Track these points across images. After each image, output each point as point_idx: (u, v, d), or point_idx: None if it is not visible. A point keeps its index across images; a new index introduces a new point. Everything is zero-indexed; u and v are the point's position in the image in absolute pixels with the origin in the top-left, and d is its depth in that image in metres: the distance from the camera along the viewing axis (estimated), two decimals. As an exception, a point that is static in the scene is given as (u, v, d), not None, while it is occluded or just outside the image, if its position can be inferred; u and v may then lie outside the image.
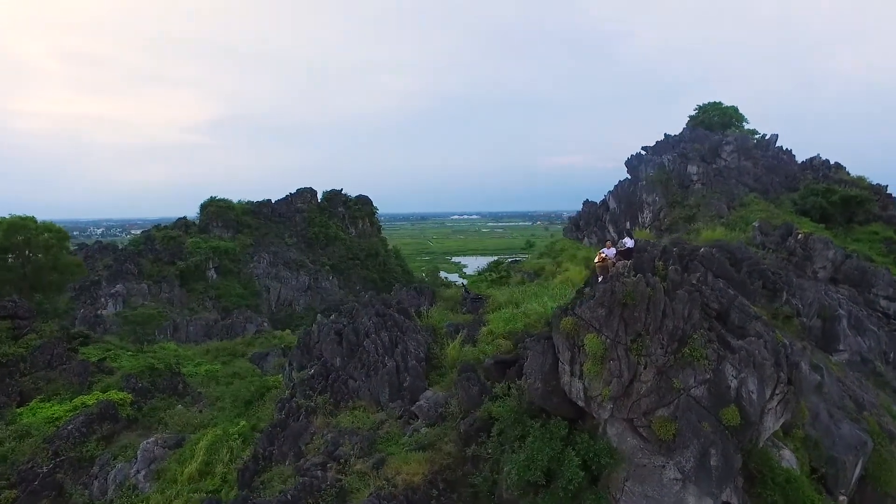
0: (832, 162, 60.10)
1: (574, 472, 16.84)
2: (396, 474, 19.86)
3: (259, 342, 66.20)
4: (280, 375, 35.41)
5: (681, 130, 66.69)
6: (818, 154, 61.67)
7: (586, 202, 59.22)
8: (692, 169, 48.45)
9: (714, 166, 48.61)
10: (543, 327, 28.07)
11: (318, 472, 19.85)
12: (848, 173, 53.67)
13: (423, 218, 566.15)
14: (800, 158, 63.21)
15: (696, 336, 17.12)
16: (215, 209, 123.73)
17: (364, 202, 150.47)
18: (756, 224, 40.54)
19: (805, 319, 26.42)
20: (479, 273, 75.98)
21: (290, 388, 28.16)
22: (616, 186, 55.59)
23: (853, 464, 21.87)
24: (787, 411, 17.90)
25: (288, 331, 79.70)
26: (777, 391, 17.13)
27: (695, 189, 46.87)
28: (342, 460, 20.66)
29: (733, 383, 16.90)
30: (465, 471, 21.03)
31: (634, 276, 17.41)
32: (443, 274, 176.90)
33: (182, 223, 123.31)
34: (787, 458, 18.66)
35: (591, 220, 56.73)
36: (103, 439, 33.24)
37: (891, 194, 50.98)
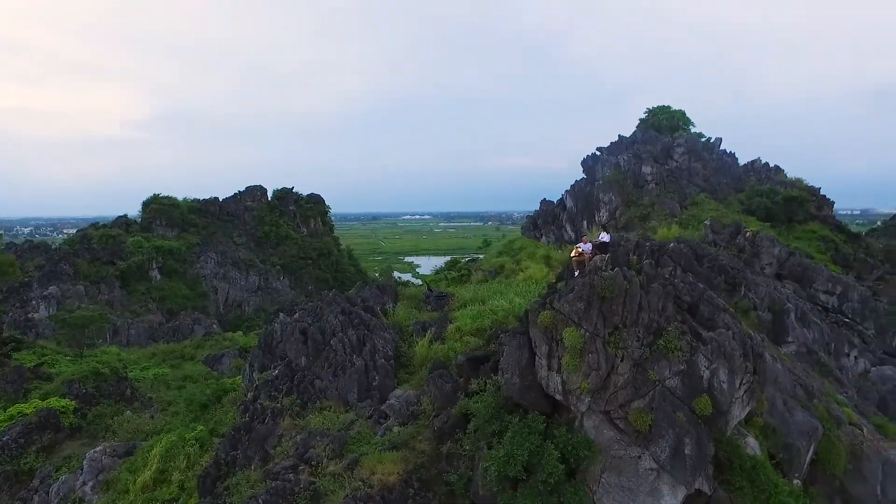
0: (772, 165, 63.40)
1: (553, 465, 16.89)
2: (371, 475, 19.40)
3: (209, 344, 63.71)
4: (238, 377, 34.09)
5: (632, 132, 68.82)
6: (759, 157, 64.96)
7: (544, 201, 60.17)
8: (646, 169, 50.02)
9: (666, 167, 50.39)
10: (513, 323, 28.22)
11: (290, 475, 19.13)
12: (786, 175, 56.77)
13: (375, 218, 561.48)
14: (740, 161, 66.43)
15: (670, 328, 17.52)
16: (159, 207, 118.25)
17: (316, 201, 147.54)
18: (707, 223, 42.16)
19: (761, 313, 27.62)
20: (438, 272, 75.92)
21: (252, 390, 27.10)
22: (573, 186, 56.73)
23: (806, 449, 22.97)
24: (752, 400, 18.59)
25: (240, 332, 77.25)
26: (744, 381, 17.76)
27: (649, 189, 48.40)
28: (314, 462, 20.00)
29: (706, 374, 17.40)
30: (440, 468, 20.79)
31: (612, 270, 17.65)
32: (396, 274, 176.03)
33: (122, 221, 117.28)
34: (752, 445, 19.38)
35: (548, 219, 57.63)
36: (43, 450, 31.11)
37: (825, 196, 54.20)
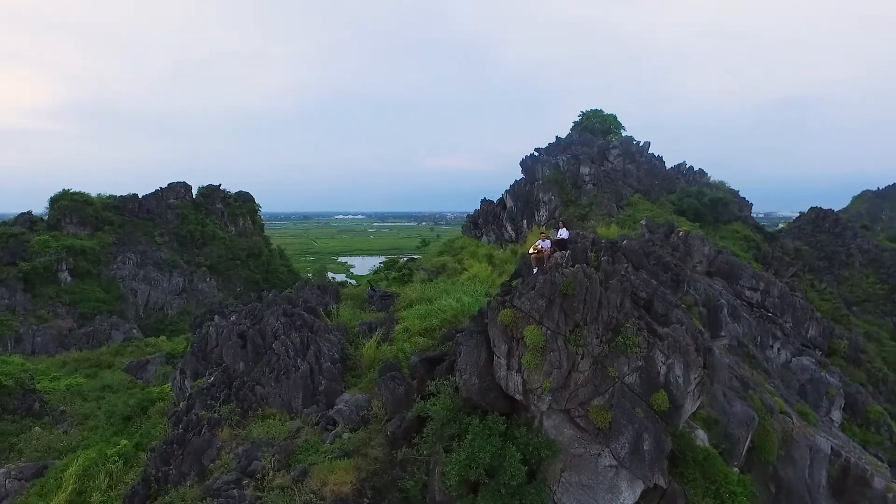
0: (696, 168, 66.83)
1: (516, 467, 16.51)
2: (323, 485, 18.27)
3: (130, 351, 59.26)
4: (167, 386, 31.58)
5: (567, 134, 70.50)
6: (684, 161, 68.33)
7: (484, 201, 60.37)
8: (584, 170, 51.22)
9: (602, 168, 51.86)
10: (464, 322, 27.74)
11: (233, 490, 17.66)
12: (710, 178, 60.08)
13: (306, 217, 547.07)
14: (666, 165, 69.63)
15: (628, 325, 17.59)
16: (69, 204, 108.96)
17: (245, 199, 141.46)
18: (643, 222, 43.59)
19: (701, 308, 28.65)
20: (377, 271, 74.43)
21: (184, 399, 25.06)
22: (513, 186, 57.24)
23: (745, 438, 23.96)
24: (702, 394, 19.04)
25: (163, 337, 72.45)
26: (697, 375, 18.12)
27: (587, 189, 49.56)
28: (259, 475, 18.60)
29: (662, 369, 17.59)
30: (394, 475, 19.94)
31: (573, 266, 17.50)
32: (330, 274, 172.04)
33: (26, 219, 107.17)
34: (701, 437, 19.89)
35: (489, 218, 57.81)
36: (-65, 475, 27.49)
37: (744, 198, 57.69)
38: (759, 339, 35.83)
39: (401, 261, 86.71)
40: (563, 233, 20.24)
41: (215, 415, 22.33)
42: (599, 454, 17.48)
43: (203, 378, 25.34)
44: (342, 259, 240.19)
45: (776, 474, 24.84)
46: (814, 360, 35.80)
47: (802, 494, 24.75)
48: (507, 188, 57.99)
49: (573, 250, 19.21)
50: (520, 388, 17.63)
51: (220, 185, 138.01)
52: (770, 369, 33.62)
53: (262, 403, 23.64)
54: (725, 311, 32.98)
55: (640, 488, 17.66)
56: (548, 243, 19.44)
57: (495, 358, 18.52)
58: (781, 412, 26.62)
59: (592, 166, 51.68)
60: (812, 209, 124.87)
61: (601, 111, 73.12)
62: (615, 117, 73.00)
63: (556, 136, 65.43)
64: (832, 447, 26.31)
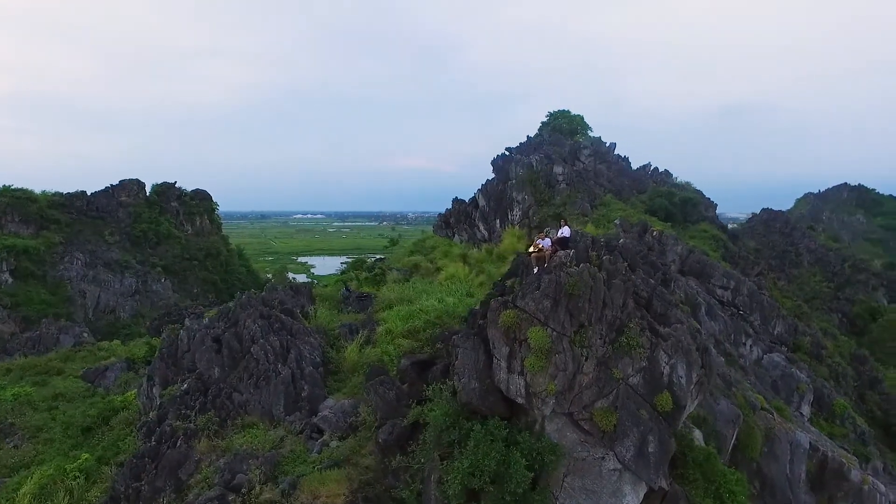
0: (661, 169, 68.12)
1: (522, 474, 15.92)
2: (314, 498, 17.27)
3: (82, 356, 55.76)
4: (130, 394, 29.61)
5: (534, 134, 70.74)
6: (649, 162, 69.54)
7: (455, 200, 59.77)
8: (558, 170, 51.33)
9: (575, 168, 52.13)
10: (449, 323, 27.05)
11: (218, 507, 16.41)
12: (676, 179, 61.39)
13: (264, 217, 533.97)
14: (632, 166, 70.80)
15: (631, 325, 17.27)
16: (10, 201, 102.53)
17: (202, 197, 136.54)
18: (617, 222, 43.90)
19: (685, 307, 28.82)
20: (344, 272, 72.87)
21: (154, 408, 23.42)
22: (485, 185, 56.88)
23: (731, 435, 24.16)
24: (701, 393, 18.94)
25: (117, 341, 68.64)
26: (697, 375, 17.98)
27: (560, 189, 49.67)
28: (244, 490, 17.40)
29: (665, 369, 17.35)
30: (387, 484, 19.09)
31: (577, 266, 17.05)
32: (291, 275, 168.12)
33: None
34: (698, 437, 19.82)
35: (461, 218, 57.26)
36: None
37: (709, 199, 59.12)
38: (732, 336, 36.54)
39: (369, 261, 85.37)
40: (565, 231, 19.79)
41: (191, 425, 20.88)
42: (604, 458, 17.10)
43: (175, 385, 23.75)
44: (302, 259, 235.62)
45: (759, 470, 25.16)
46: (784, 357, 36.75)
47: (784, 489, 25.16)
48: (479, 187, 57.61)
49: (576, 249, 18.79)
50: (522, 391, 17.05)
51: (175, 182, 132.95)
52: (745, 366, 34.29)
53: (241, 411, 22.31)
54: (703, 309, 33.42)
55: (643, 491, 17.38)
56: (548, 242, 18.96)
57: (494, 360, 17.89)
58: (763, 409, 27.03)
59: (565, 166, 51.86)
60: (764, 210, 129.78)
61: (568, 112, 73.67)
62: (582, 118, 73.69)
63: (528, 136, 65.57)
64: (810, 442, 26.90)
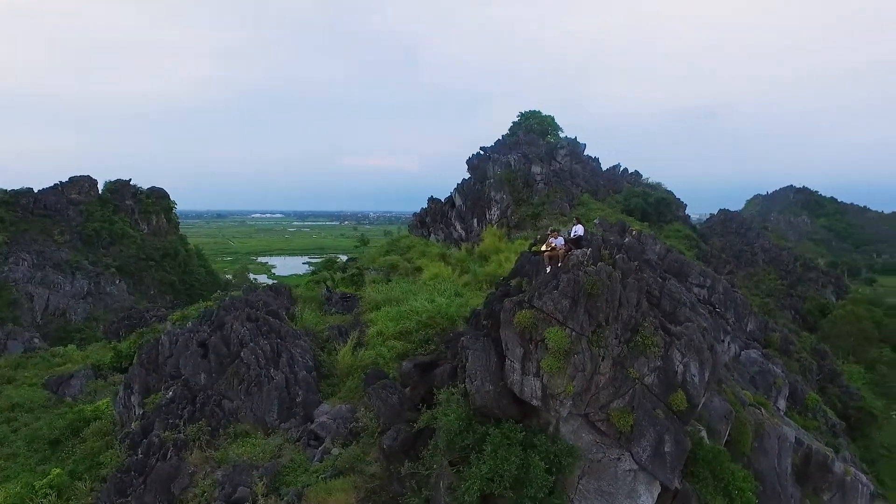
0: (631, 170, 69.35)
1: (542, 478, 15.57)
2: (323, 510, 16.43)
3: (34, 363, 52.56)
4: (101, 403, 27.81)
5: (505, 133, 70.85)
6: (619, 163, 70.70)
7: (431, 199, 59.17)
8: (536, 169, 51.46)
9: (551, 168, 52.41)
10: (441, 324, 26.49)
11: (222, 523, 15.39)
12: (648, 179, 62.65)
13: (220, 216, 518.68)
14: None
15: (646, 324, 17.18)
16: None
17: (159, 195, 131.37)
18: (597, 221, 44.26)
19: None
20: (315, 272, 71.02)
21: (136, 418, 21.98)
22: (461, 184, 56.51)
23: (725, 431, 24.52)
24: (707, 391, 19.04)
25: (72, 346, 65.05)
26: (708, 373, 18.06)
27: (538, 188, 49.80)
28: (248, 503, 16.40)
29: (679, 368, 17.33)
30: (394, 491, 18.43)
31: (595, 265, 16.82)
32: (251, 276, 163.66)
33: None
34: (704, 435, 19.91)
35: (437, 217, 56.71)
36: None
37: (679, 198, 60.53)
38: (712, 334, 37.28)
39: (339, 261, 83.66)
40: (579, 229, 19.54)
41: (181, 435, 19.64)
42: (619, 458, 16.94)
43: (159, 393, 22.35)
44: (262, 259, 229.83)
45: (750, 465, 25.53)
46: (760, 353, 37.76)
47: (773, 483, 25.68)
48: (456, 186, 57.24)
49: (589, 248, 18.58)
50: (538, 393, 16.68)
51: (129, 179, 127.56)
52: (727, 363, 35.03)
53: (232, 419, 21.18)
54: (687, 307, 33.93)
55: (657, 491, 17.31)
56: (561, 241, 18.66)
57: (507, 362, 17.47)
58: (751, 405, 27.60)
59: (543, 166, 52.06)
60: (721, 211, 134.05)
61: (539, 112, 74.12)
62: (553, 118, 74.23)
63: (501, 136, 65.62)
64: (795, 436, 27.62)
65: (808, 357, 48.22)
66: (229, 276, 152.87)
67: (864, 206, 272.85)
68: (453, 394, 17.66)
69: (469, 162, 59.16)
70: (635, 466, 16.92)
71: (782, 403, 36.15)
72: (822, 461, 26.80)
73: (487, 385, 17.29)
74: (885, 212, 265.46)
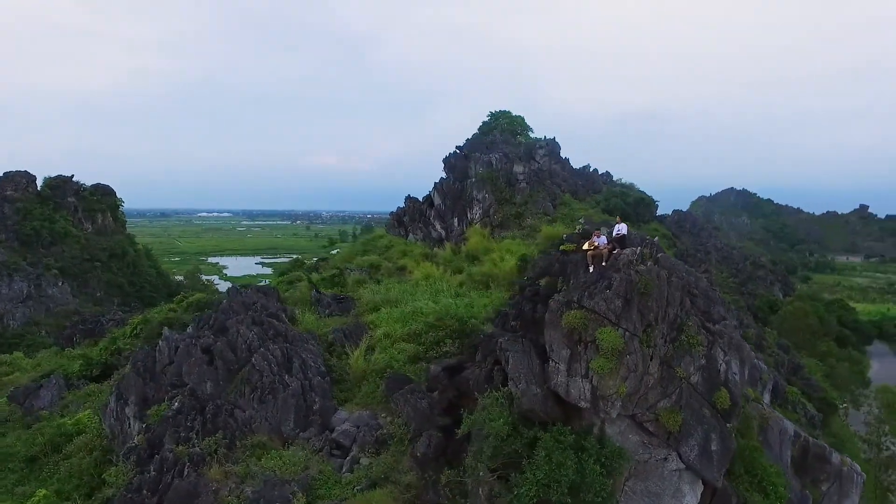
0: (601, 171, 70.46)
1: (601, 482, 15.24)
2: (367, 525, 15.50)
3: (-20, 373, 48.24)
4: (83, 415, 25.56)
5: (472, 134, 70.61)
6: (588, 164, 71.67)
7: (408, 198, 58.15)
8: (518, 169, 51.42)
9: (531, 167, 52.55)
10: (452, 325, 25.81)
11: (265, 545, 14.21)
12: (621, 180, 63.82)
13: (164, 214, 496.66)
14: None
15: (690, 322, 17.12)
16: None
17: (104, 192, 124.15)
18: (581, 220, 44.46)
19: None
20: (284, 273, 68.63)
21: (136, 431, 20.21)
22: (440, 183, 55.79)
23: (733, 427, 25.02)
24: (744, 389, 19.22)
25: (18, 353, 60.23)
26: (747, 371, 18.21)
27: (521, 188, 49.78)
28: (287, 522, 15.26)
29: (722, 367, 17.38)
30: (430, 500, 17.67)
31: (644, 264, 16.61)
32: (204, 277, 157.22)
33: None
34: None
35: (415, 216, 55.80)
36: None
37: (652, 197, 61.95)
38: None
39: (307, 261, 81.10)
40: (622, 228, 19.29)
41: (195, 449, 18.16)
42: (666, 458, 16.82)
43: (162, 404, 20.64)
44: (213, 259, 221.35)
45: (755, 459, 26.23)
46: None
47: (777, 476, 26.43)
48: (434, 185, 56.50)
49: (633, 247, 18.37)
50: (587, 395, 16.31)
51: (72, 175, 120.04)
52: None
53: (246, 430, 19.80)
54: (721, 305, 34.54)
55: (700, 490, 17.31)
56: (603, 240, 18.37)
57: (551, 363, 17.05)
58: (753, 399, 28.31)
59: (525, 165, 52.09)
60: (674, 212, 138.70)
61: (510, 112, 74.26)
62: (523, 119, 74.49)
63: (472, 135, 65.28)
64: (794, 429, 28.52)
65: (778, 352, 50.23)
66: (179, 278, 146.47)
67: (798, 208, 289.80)
68: (497, 398, 17.05)
69: (446, 161, 58.57)
70: (682, 466, 16.84)
71: (767, 397, 37.36)
72: (819, 453, 27.72)
73: (534, 388, 16.81)
74: (816, 213, 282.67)
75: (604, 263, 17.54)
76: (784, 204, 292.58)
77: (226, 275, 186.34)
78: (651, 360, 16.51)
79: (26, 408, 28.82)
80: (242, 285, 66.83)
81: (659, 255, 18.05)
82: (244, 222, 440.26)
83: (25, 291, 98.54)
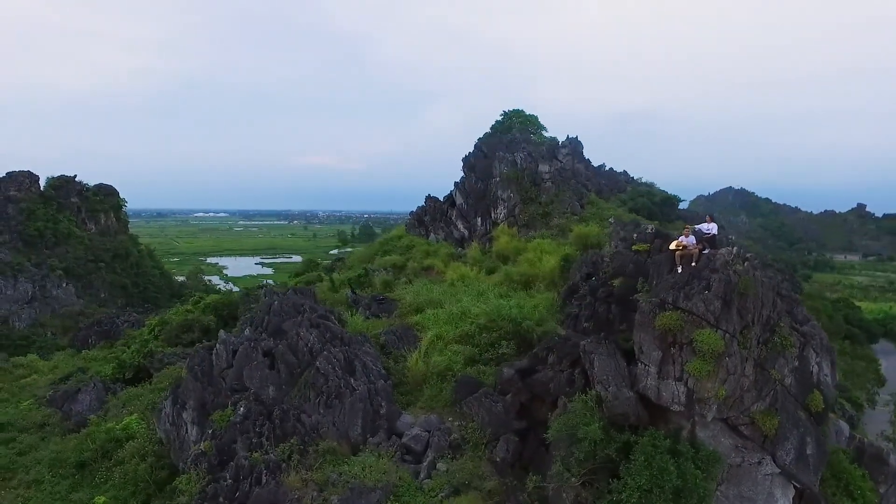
0: (619, 170, 70.08)
1: (703, 487, 14.86)
2: (462, 534, 15.02)
3: (-1, 376, 47.36)
4: (130, 420, 24.92)
5: (484, 133, 69.96)
6: (604, 163, 71.26)
7: (429, 197, 57.61)
8: (543, 168, 51.01)
9: (554, 167, 52.15)
10: (507, 327, 25.35)
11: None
12: (640, 179, 63.48)
13: (161, 214, 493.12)
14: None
15: (782, 323, 16.77)
16: None
17: (107, 192, 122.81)
18: (612, 220, 44.12)
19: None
20: (296, 274, 67.81)
21: (206, 437, 19.60)
22: (461, 182, 55.26)
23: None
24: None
25: (32, 355, 59.32)
26: (836, 373, 17.89)
27: (546, 187, 49.39)
28: (382, 531, 14.77)
29: (815, 368, 17.05)
30: (513, 506, 17.21)
31: (743, 264, 16.23)
32: (206, 277, 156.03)
33: None
34: (810, 433, 19.78)
35: (436, 216, 55.27)
36: None
37: (678, 196, 61.72)
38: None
39: (320, 261, 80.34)
40: (712, 227, 18.89)
41: (270, 456, 17.63)
42: (760, 462, 16.47)
43: (226, 410, 20.06)
44: (212, 260, 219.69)
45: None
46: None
47: (834, 477, 26.12)
48: (455, 185, 55.98)
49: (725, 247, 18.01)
50: (682, 398, 15.91)
51: (75, 175, 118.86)
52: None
53: (314, 436, 19.27)
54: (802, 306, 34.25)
55: (791, 494, 16.97)
56: (692, 239, 17.97)
57: (640, 366, 16.66)
58: (805, 400, 28.05)
59: (549, 164, 51.71)
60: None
61: (523, 111, 73.60)
62: (537, 118, 73.85)
63: (486, 133, 64.71)
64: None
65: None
66: (181, 278, 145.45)
67: (796, 207, 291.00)
68: (586, 402, 16.61)
69: (465, 160, 57.98)
70: (776, 470, 16.49)
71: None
72: (876, 454, 27.42)
73: (625, 391, 16.40)
74: (814, 212, 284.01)
75: (693, 264, 17.14)
76: (782, 203, 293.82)
77: (226, 275, 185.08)
78: (746, 361, 16.13)
79: (64, 412, 28.13)
80: (260, 285, 66.04)
81: (748, 254, 17.66)
82: (241, 222, 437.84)
83: (30, 293, 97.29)
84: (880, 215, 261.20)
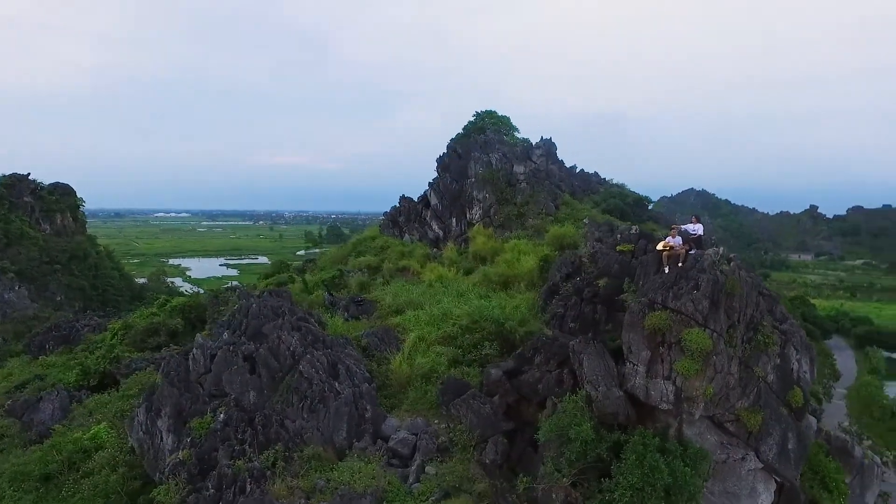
0: (590, 171, 70.94)
1: (694, 485, 15.06)
2: (456, 538, 14.84)
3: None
4: (98, 429, 23.79)
5: (457, 133, 70.04)
6: (575, 164, 72.13)
7: (403, 198, 57.18)
8: (518, 169, 51.22)
9: (529, 168, 52.46)
10: (489, 328, 25.32)
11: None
12: (611, 180, 64.44)
13: (118, 215, 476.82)
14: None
15: (764, 322, 17.16)
16: None
17: (63, 192, 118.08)
18: (586, 221, 44.61)
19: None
20: (267, 276, 66.35)
21: (185, 446, 18.85)
22: (435, 183, 55.07)
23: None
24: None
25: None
26: (815, 369, 18.41)
27: (521, 188, 49.64)
28: (374, 538, 14.45)
29: (795, 365, 17.49)
30: (502, 508, 17.13)
31: (729, 264, 16.52)
32: (169, 279, 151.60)
33: None
34: (787, 428, 20.33)
35: (411, 216, 54.92)
36: None
37: (648, 197, 62.86)
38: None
39: (289, 263, 78.88)
40: (698, 228, 19.16)
41: (254, 464, 17.08)
42: (744, 458, 16.82)
43: (205, 417, 19.35)
44: (174, 261, 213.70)
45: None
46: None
47: (804, 470, 26.99)
48: (429, 185, 55.73)
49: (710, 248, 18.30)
50: (670, 396, 16.11)
51: (28, 174, 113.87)
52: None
53: (297, 441, 18.79)
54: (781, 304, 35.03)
55: (773, 488, 17.39)
56: (679, 240, 18.21)
57: (629, 365, 16.82)
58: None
59: (524, 165, 51.97)
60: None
61: (495, 112, 73.95)
62: (509, 119, 74.26)
63: (459, 133, 64.70)
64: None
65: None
66: (142, 280, 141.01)
67: (753, 208, 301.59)
68: (576, 402, 16.64)
69: (440, 160, 57.86)
70: (759, 465, 16.87)
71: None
72: (842, 446, 28.45)
73: (615, 390, 16.51)
74: (770, 213, 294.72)
75: (680, 264, 17.39)
76: (740, 204, 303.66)
77: (189, 277, 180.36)
78: (732, 360, 16.45)
79: (25, 422, 26.70)
80: (228, 287, 64.31)
81: (731, 255, 18.03)
82: (204, 223, 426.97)
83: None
84: (831, 216, 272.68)
